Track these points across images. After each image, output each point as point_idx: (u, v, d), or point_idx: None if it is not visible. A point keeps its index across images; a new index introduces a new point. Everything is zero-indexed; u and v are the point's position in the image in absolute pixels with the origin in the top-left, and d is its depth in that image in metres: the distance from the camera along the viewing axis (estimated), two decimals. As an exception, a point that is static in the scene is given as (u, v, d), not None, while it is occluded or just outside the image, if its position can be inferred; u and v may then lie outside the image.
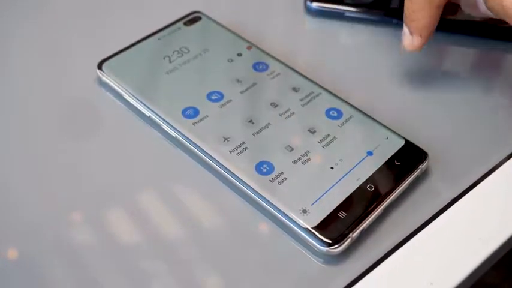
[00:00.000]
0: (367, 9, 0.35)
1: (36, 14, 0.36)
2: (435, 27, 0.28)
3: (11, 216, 0.26)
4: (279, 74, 0.31)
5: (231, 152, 0.27)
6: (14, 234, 0.25)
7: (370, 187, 0.26)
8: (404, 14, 0.28)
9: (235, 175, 0.26)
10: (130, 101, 0.30)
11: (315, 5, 0.35)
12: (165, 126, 0.28)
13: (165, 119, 0.29)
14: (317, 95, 0.30)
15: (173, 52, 0.32)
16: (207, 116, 0.29)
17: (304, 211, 0.25)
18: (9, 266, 0.24)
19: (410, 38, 0.28)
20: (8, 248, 0.25)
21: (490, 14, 0.27)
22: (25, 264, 0.24)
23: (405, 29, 0.29)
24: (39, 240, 0.25)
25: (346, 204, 0.25)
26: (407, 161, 0.27)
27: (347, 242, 0.24)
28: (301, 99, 0.30)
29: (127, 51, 0.32)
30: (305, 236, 0.24)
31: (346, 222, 0.24)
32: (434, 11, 0.27)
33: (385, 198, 0.25)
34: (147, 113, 0.29)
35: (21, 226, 0.26)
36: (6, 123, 0.30)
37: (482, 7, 0.27)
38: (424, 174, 0.27)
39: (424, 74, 0.32)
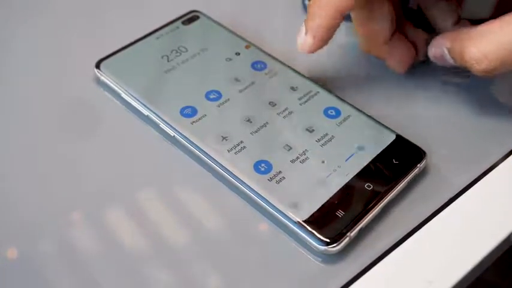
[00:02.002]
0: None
1: (35, 14, 0.36)
2: (332, 34, 0.27)
3: (11, 216, 0.26)
4: (277, 73, 0.31)
5: (229, 151, 0.27)
6: (14, 234, 0.26)
7: (368, 186, 0.26)
8: (307, 13, 0.28)
9: (234, 174, 0.26)
10: (128, 100, 0.30)
11: (313, 3, 0.35)
12: (163, 126, 0.29)
13: (163, 118, 0.29)
14: (315, 94, 0.30)
15: (171, 51, 0.32)
16: (205, 115, 0.29)
17: (303, 210, 0.25)
18: (9, 266, 0.24)
19: (303, 39, 0.27)
20: (8, 248, 0.25)
21: (454, 64, 0.28)
22: (25, 264, 0.24)
23: (302, 27, 0.28)
24: (39, 240, 0.25)
25: (345, 203, 0.25)
26: (406, 159, 0.27)
27: (345, 240, 0.24)
28: (300, 98, 0.30)
29: (125, 51, 0.32)
30: (303, 235, 0.24)
31: (345, 221, 0.24)
32: (333, 14, 0.26)
33: (383, 197, 0.25)
34: (145, 112, 0.29)
35: (21, 226, 0.26)
36: (6, 122, 0.30)
37: (448, 57, 0.28)
38: (423, 173, 0.27)
39: (423, 73, 0.32)
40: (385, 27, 0.29)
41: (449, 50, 0.28)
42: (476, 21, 0.31)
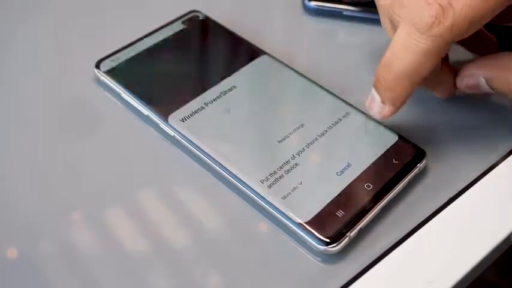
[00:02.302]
0: (365, 8, 0.35)
1: (35, 14, 0.36)
2: (409, 98, 0.26)
3: (11, 216, 0.26)
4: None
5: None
6: (14, 234, 0.26)
7: (368, 186, 0.26)
8: (376, 80, 0.26)
9: (233, 174, 0.26)
10: (128, 100, 0.30)
11: (313, 4, 0.35)
12: (163, 126, 0.29)
13: (162, 117, 0.28)
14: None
15: (171, 51, 0.32)
16: (205, 114, 0.29)
17: (303, 210, 0.25)
18: (9, 266, 0.24)
19: (380, 106, 0.27)
20: (8, 248, 0.25)
21: (491, 92, 0.27)
22: (25, 264, 0.24)
23: (375, 94, 0.27)
24: (39, 240, 0.25)
25: (344, 203, 0.25)
26: (406, 159, 0.27)
27: (345, 240, 0.24)
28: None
29: (125, 51, 0.32)
30: (303, 234, 0.24)
31: (344, 221, 0.24)
32: (412, 85, 0.26)
33: (383, 197, 0.26)
34: (145, 112, 0.29)
35: (21, 226, 0.26)
36: (6, 122, 0.30)
37: (486, 87, 0.27)
38: (423, 172, 0.27)
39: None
40: (437, 68, 0.28)
41: (488, 80, 0.27)
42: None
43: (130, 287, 0.24)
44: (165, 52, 0.32)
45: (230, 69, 0.31)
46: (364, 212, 0.25)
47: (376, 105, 0.27)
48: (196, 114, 0.29)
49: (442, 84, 0.29)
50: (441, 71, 0.28)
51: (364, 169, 0.26)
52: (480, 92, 0.28)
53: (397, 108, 0.27)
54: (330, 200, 0.25)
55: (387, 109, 0.26)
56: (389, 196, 0.26)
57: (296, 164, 0.26)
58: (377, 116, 0.27)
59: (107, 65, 0.31)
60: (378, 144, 0.27)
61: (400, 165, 0.27)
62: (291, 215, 0.25)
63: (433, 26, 0.23)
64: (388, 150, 0.27)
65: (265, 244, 0.25)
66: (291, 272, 0.24)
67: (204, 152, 0.27)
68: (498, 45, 0.31)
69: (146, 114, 0.29)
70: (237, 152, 0.27)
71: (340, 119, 0.28)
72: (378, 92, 0.26)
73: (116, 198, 0.27)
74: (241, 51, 0.32)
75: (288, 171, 0.26)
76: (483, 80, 0.27)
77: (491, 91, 0.27)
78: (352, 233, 0.24)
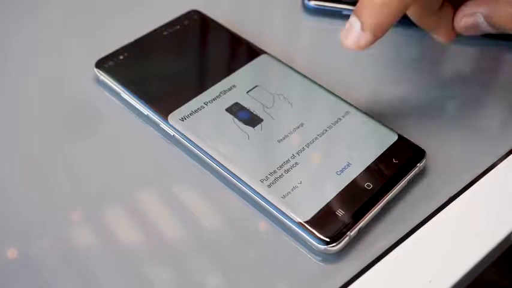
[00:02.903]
0: (365, 8, 0.35)
1: (35, 14, 0.36)
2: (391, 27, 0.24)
3: (11, 216, 0.26)
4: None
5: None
6: (14, 234, 0.26)
7: (368, 185, 0.26)
8: (360, 4, 0.24)
9: (233, 173, 0.26)
10: (128, 99, 0.30)
11: (312, 3, 0.35)
12: (163, 125, 0.29)
13: (162, 117, 0.28)
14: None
15: (171, 50, 0.32)
16: (205, 113, 0.29)
17: (303, 210, 0.25)
18: (9, 266, 0.24)
19: (359, 35, 0.24)
20: (8, 248, 0.25)
21: (490, 31, 0.27)
22: (25, 264, 0.24)
23: (354, 22, 0.24)
24: (39, 240, 0.25)
25: (344, 202, 0.25)
26: (405, 159, 0.27)
27: (345, 240, 0.24)
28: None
29: (125, 50, 0.32)
30: (303, 234, 0.24)
31: (344, 221, 0.24)
32: (398, 12, 0.24)
33: (383, 197, 0.25)
34: (145, 111, 0.29)
35: (21, 226, 0.26)
36: (6, 122, 0.30)
37: (485, 25, 0.27)
38: (422, 172, 0.27)
39: (422, 73, 0.32)
40: (436, 5, 0.27)
41: (487, 17, 0.26)
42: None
43: (130, 287, 0.24)
44: (164, 51, 0.32)
45: (230, 68, 0.31)
46: (364, 211, 0.25)
47: (354, 34, 0.24)
48: (196, 113, 0.29)
49: (443, 26, 0.28)
50: (441, 11, 0.27)
51: (364, 168, 0.26)
52: (479, 33, 0.27)
53: (376, 38, 0.24)
54: (329, 199, 0.25)
55: (365, 38, 0.24)
56: (389, 196, 0.26)
57: (296, 164, 0.26)
58: (352, 47, 0.25)
59: (107, 64, 0.31)
60: (377, 143, 0.27)
61: (400, 164, 0.27)
62: (290, 214, 0.25)
63: None
64: (388, 149, 0.27)
65: (265, 243, 0.25)
66: (290, 271, 0.24)
67: (204, 151, 0.27)
68: None
69: (146, 113, 0.29)
70: (237, 151, 0.27)
71: (340, 119, 0.29)
72: (361, 18, 0.24)
73: (115, 198, 0.27)
74: (241, 51, 0.33)
75: (288, 170, 0.26)
76: (482, 18, 0.26)
77: (491, 30, 0.27)
78: (352, 232, 0.24)
